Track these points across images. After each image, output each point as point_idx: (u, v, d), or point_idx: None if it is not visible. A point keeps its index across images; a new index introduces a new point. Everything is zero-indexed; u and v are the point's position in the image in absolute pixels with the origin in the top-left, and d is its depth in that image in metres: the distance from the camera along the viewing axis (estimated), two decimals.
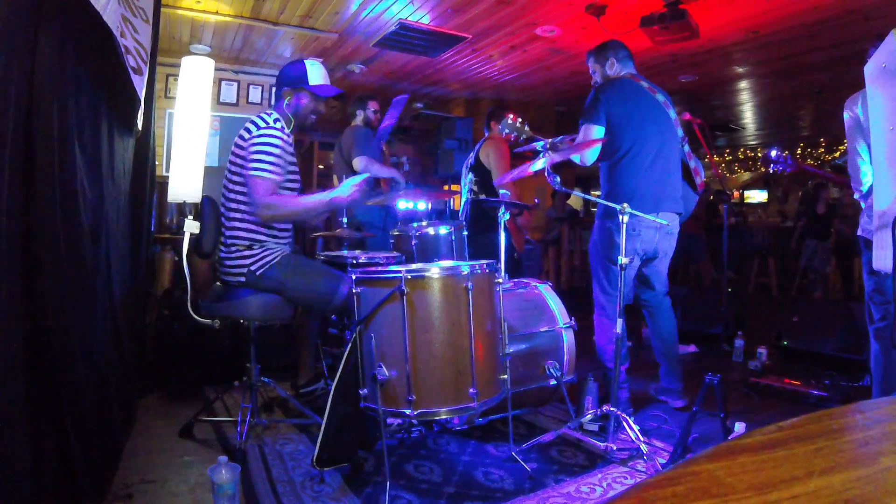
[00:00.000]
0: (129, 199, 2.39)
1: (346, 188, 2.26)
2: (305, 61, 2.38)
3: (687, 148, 2.78)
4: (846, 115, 2.34)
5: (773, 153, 2.86)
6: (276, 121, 2.29)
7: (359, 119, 4.07)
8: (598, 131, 2.53)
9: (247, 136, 2.25)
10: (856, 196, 2.39)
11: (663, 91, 2.71)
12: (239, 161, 2.26)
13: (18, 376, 1.20)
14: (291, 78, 2.35)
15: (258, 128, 2.24)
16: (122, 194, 2.26)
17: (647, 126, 2.57)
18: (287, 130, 2.33)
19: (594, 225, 2.70)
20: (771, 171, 2.85)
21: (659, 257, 2.66)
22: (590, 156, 2.54)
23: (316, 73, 2.36)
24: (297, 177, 2.41)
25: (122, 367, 2.16)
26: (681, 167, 2.71)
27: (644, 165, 2.54)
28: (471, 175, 3.78)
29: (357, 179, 2.28)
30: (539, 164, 2.33)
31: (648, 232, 2.54)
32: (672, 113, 2.68)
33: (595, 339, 2.72)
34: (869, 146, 2.22)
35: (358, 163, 3.81)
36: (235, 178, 2.27)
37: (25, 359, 1.26)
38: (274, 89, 2.43)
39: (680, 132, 2.71)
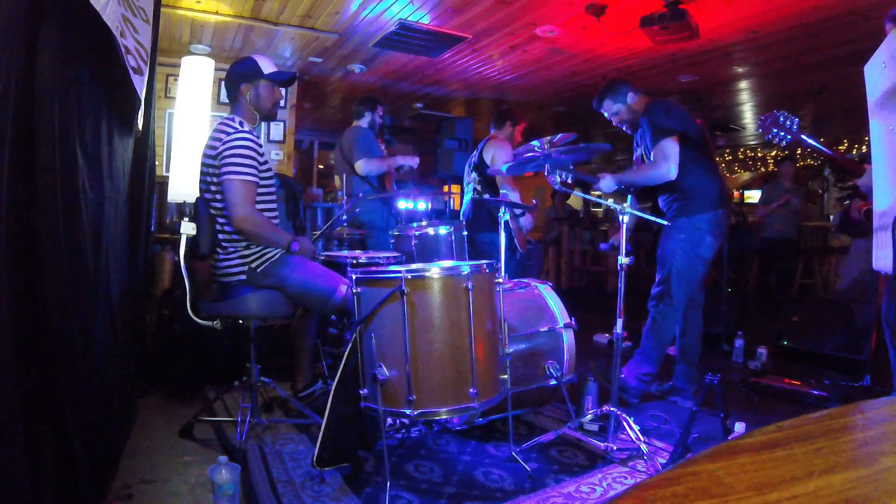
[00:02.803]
0: (127, 198, 2.39)
1: (309, 247, 2.34)
2: (253, 56, 2.39)
3: None
4: None
5: (781, 119, 2.21)
6: (241, 123, 2.28)
7: (364, 121, 4.06)
8: (675, 144, 2.61)
9: (218, 144, 2.22)
10: None
11: None
12: (213, 169, 2.25)
13: (13, 376, 1.20)
14: (246, 73, 2.34)
15: (228, 134, 2.22)
16: (120, 194, 2.26)
17: (705, 134, 2.76)
18: (253, 130, 2.32)
19: (680, 223, 2.71)
20: (768, 138, 2.27)
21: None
22: (675, 170, 2.59)
23: (266, 63, 2.37)
24: (271, 174, 2.40)
25: (121, 366, 2.16)
26: None
27: (716, 168, 2.76)
28: (474, 174, 3.78)
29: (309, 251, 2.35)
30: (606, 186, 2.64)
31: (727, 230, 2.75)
32: None
33: (656, 330, 2.75)
34: None
35: (360, 166, 3.83)
36: (215, 186, 2.26)
37: (26, 359, 1.26)
38: (226, 90, 2.41)
39: None
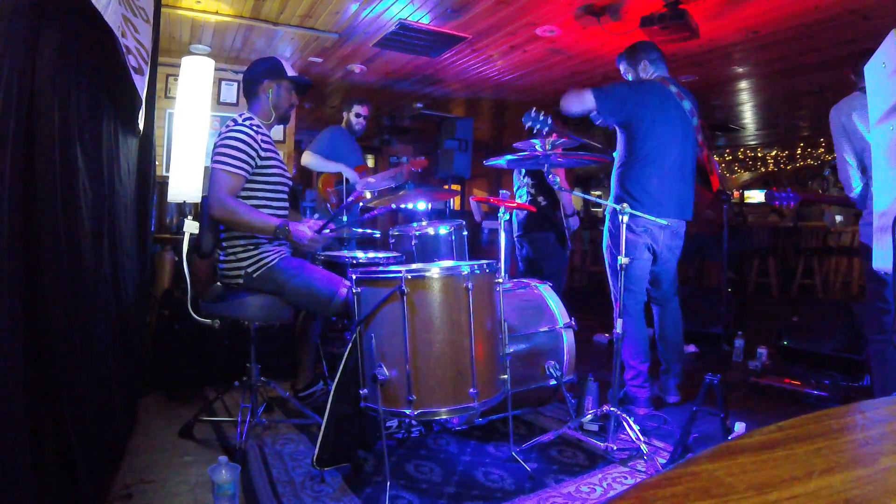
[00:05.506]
0: (134, 199, 2.39)
1: (303, 233, 2.19)
2: (276, 56, 2.38)
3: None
4: (832, 125, 2.44)
5: (777, 192, 3.01)
6: (245, 119, 2.26)
7: (343, 121, 4.06)
8: (591, 103, 2.57)
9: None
10: (853, 201, 2.43)
11: (692, 97, 2.74)
12: None
13: (19, 377, 1.20)
14: (271, 70, 2.34)
15: (227, 127, 2.24)
16: (129, 194, 2.26)
17: (670, 133, 2.62)
18: (263, 127, 2.31)
19: (612, 214, 2.71)
20: (776, 206, 2.90)
21: (667, 256, 2.73)
22: (571, 108, 2.62)
23: (289, 67, 2.38)
24: (283, 170, 2.39)
25: (124, 367, 2.16)
26: (695, 177, 2.77)
27: (661, 172, 2.61)
28: (527, 178, 3.74)
29: (308, 230, 2.22)
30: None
31: (655, 231, 2.62)
32: (695, 120, 2.73)
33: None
34: (855, 153, 2.32)
35: (303, 157, 3.83)
36: None
37: (26, 359, 1.26)
38: (245, 87, 2.39)
39: (699, 138, 2.79)
